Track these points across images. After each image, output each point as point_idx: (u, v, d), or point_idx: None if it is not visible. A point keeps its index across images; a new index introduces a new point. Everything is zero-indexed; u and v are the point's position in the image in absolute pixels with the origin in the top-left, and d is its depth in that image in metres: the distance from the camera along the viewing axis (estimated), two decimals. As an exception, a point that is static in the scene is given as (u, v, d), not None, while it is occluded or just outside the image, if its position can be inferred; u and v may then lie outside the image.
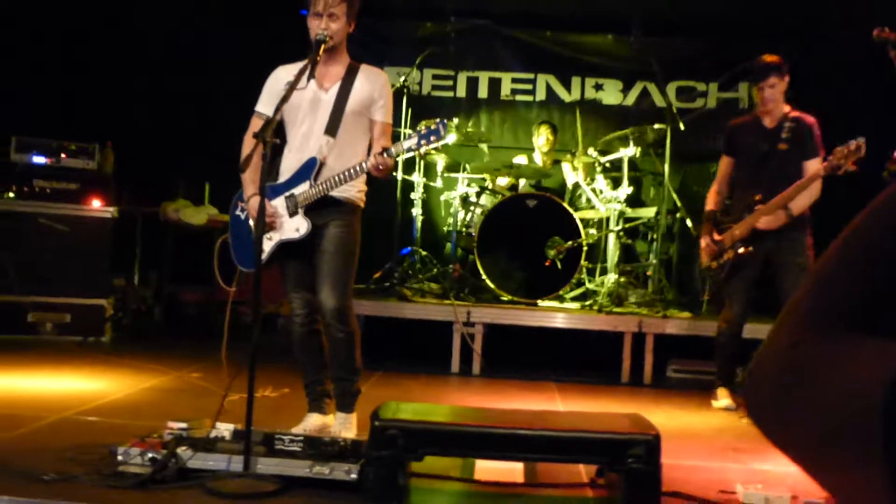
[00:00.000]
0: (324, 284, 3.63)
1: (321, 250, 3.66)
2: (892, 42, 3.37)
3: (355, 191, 3.74)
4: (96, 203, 6.44)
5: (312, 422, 3.79)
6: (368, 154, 3.70)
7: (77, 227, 6.37)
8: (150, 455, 3.01)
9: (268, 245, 3.71)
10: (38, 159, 6.45)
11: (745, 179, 4.94)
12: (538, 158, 7.42)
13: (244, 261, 3.81)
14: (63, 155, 6.48)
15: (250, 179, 3.64)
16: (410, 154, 3.52)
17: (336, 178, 3.57)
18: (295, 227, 3.66)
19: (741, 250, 4.78)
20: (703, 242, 4.99)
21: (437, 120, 3.49)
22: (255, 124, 3.64)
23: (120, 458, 3.02)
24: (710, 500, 3.16)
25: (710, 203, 5.09)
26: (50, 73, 7.35)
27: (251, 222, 3.70)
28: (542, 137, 7.41)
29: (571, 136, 7.93)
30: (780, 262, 4.76)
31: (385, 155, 3.50)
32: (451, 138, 3.46)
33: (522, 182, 7.10)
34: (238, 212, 3.85)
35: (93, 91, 7.45)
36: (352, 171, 3.56)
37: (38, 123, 6.69)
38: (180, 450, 3.04)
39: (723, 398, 5.03)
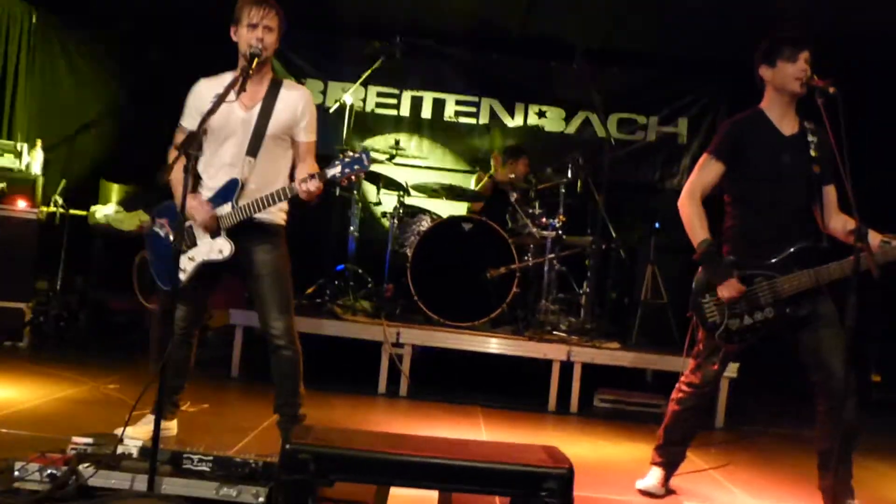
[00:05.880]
0: (271, 310, 3.63)
1: (256, 275, 3.64)
2: (820, 89, 3.42)
3: (278, 212, 3.71)
4: (22, 204, 6.24)
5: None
6: (291, 173, 3.68)
7: (0, 227, 6.16)
8: (49, 471, 2.88)
9: (190, 265, 3.65)
10: (-39, 156, 6.25)
11: (764, 202, 3.59)
12: (478, 184, 7.43)
13: (165, 279, 3.74)
14: (-12, 153, 6.29)
15: (176, 194, 3.58)
16: (334, 181, 3.52)
17: (260, 202, 3.55)
18: (218, 248, 3.61)
19: (789, 310, 3.49)
20: (728, 292, 3.51)
21: (361, 149, 3.50)
22: (179, 138, 3.58)
23: (17, 473, 2.88)
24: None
25: (705, 230, 3.61)
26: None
27: (171, 238, 3.66)
28: (519, 166, 7.31)
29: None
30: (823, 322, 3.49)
31: (313, 180, 3.46)
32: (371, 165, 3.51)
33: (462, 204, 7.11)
34: (157, 228, 3.77)
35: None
36: (276, 195, 3.53)
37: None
38: (82, 467, 2.93)
39: (652, 478, 3.85)
